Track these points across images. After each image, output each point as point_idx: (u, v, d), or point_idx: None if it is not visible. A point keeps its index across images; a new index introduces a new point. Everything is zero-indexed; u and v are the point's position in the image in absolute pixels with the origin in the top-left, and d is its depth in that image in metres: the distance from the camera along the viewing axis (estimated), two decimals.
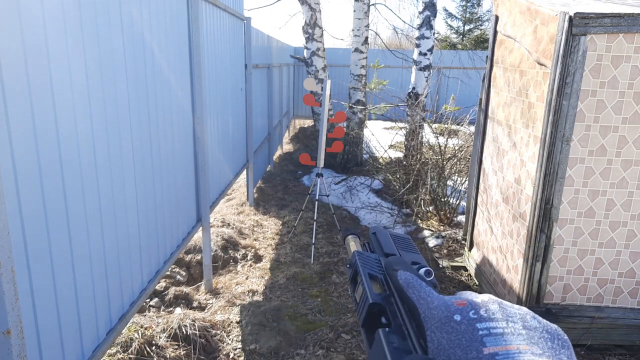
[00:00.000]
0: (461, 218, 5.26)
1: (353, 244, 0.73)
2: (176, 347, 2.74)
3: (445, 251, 4.53)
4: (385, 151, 7.09)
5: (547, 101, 2.63)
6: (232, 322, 3.17)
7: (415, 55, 6.73)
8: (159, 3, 2.49)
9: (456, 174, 5.59)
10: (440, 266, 4.16)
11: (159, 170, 2.56)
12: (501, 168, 3.38)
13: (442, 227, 5.15)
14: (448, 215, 5.23)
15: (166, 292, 3.41)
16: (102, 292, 1.90)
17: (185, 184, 3.09)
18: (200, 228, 3.49)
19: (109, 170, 1.94)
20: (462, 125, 6.10)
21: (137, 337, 2.64)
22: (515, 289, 3.01)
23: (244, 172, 5.58)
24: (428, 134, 6.31)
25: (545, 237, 2.74)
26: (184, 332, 2.81)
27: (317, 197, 4.72)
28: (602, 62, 2.49)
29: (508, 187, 3.23)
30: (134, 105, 2.19)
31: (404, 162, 6.21)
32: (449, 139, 5.69)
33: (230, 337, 3.02)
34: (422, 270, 0.51)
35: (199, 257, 3.89)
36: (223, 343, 2.95)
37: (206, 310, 3.33)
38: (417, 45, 6.67)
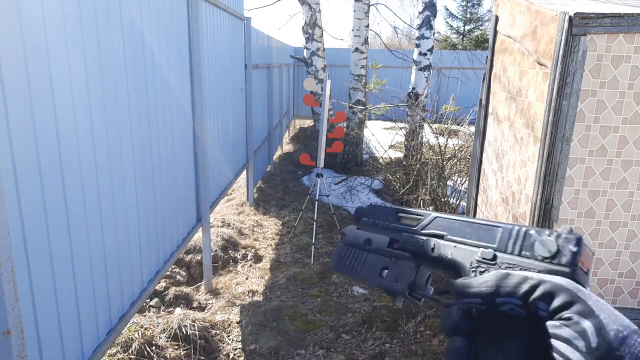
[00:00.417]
0: None
1: None
2: (176, 347, 2.74)
3: None
4: (385, 151, 7.08)
5: (547, 101, 2.63)
6: (232, 322, 3.17)
7: (415, 56, 6.73)
8: (159, 3, 2.49)
9: (456, 174, 5.58)
10: None
11: (159, 170, 2.56)
12: (501, 168, 3.38)
13: None
14: None
15: (166, 292, 3.41)
16: (102, 292, 1.89)
17: (185, 184, 3.09)
18: (200, 228, 3.49)
19: (109, 170, 1.94)
20: (462, 126, 6.10)
21: (137, 337, 2.64)
22: None
23: (244, 172, 5.57)
24: (428, 134, 6.30)
25: None
26: (184, 332, 2.81)
27: (317, 197, 4.72)
28: (602, 62, 2.49)
29: (508, 187, 3.23)
30: (134, 105, 2.19)
31: (404, 162, 6.21)
32: (449, 139, 5.69)
33: (231, 337, 3.02)
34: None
35: (199, 257, 3.89)
36: (223, 343, 2.95)
37: (206, 311, 3.33)
38: (417, 45, 6.67)
